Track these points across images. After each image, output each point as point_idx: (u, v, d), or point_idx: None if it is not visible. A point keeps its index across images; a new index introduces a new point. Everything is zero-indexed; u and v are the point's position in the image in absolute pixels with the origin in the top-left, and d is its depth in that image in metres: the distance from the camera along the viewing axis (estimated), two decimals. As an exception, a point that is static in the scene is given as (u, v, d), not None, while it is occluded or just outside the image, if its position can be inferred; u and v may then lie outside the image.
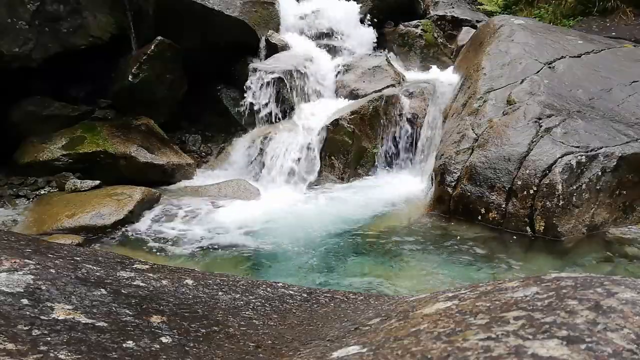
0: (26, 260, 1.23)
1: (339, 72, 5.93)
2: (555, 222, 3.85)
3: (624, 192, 4.02)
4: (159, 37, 5.28)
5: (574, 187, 3.88)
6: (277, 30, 6.12)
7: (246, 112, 5.54)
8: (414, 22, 7.27)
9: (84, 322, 1.03)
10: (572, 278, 0.95)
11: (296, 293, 1.48)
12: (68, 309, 1.06)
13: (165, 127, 5.37)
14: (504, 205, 4.03)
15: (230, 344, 1.08)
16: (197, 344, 1.06)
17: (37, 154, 4.81)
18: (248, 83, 5.49)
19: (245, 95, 5.53)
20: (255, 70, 5.47)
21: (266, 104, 5.45)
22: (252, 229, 4.14)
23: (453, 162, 4.39)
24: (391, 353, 0.81)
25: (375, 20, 6.94)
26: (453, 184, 4.33)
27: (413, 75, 6.29)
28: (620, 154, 3.98)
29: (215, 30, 5.52)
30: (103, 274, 1.32)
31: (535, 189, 3.91)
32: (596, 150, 4.00)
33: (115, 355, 0.93)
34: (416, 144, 5.37)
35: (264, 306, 1.34)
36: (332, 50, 6.36)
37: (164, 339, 1.04)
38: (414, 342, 0.82)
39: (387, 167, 5.38)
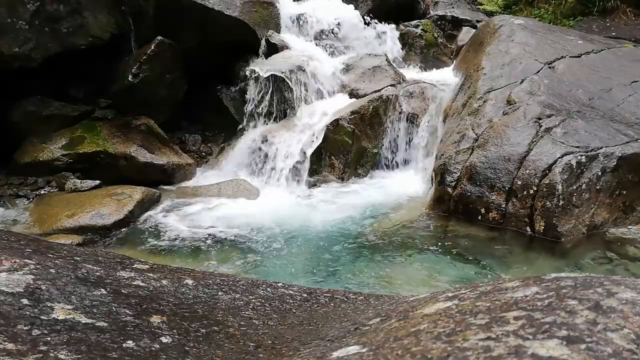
0: (26, 260, 1.23)
1: (339, 72, 5.93)
2: (555, 222, 3.85)
3: (624, 192, 4.02)
4: (159, 37, 5.28)
5: (574, 187, 3.88)
6: (277, 30, 6.12)
7: (246, 112, 5.54)
8: (414, 22, 7.27)
9: (84, 322, 1.03)
10: (572, 278, 0.95)
11: (296, 293, 1.48)
12: (68, 309, 1.06)
13: (165, 127, 5.37)
14: (504, 205, 4.03)
15: (230, 344, 1.08)
16: (197, 344, 1.06)
17: (37, 154, 4.81)
18: (248, 83, 5.49)
19: (245, 95, 5.52)
20: (255, 70, 5.47)
21: (266, 104, 5.45)
22: (252, 229, 4.14)
23: (453, 162, 4.39)
24: (391, 353, 0.81)
25: (376, 20, 6.94)
26: (453, 184, 4.33)
27: (413, 75, 6.29)
28: (620, 154, 3.98)
29: (215, 30, 5.52)
30: (103, 274, 1.32)
31: (535, 189, 3.91)
32: (596, 150, 4.00)
33: (115, 355, 0.93)
34: (416, 143, 5.37)
35: (264, 306, 1.34)
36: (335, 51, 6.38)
37: (164, 339, 1.04)
38: (414, 342, 0.82)
39: (387, 167, 5.38)
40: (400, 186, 5.00)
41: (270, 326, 1.21)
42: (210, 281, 1.45)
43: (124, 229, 4.11)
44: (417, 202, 4.67)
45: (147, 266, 1.51)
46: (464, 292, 1.05)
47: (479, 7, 8.22)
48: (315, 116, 5.42)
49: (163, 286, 1.34)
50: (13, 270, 1.16)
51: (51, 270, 1.22)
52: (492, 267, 3.55)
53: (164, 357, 0.97)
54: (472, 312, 0.89)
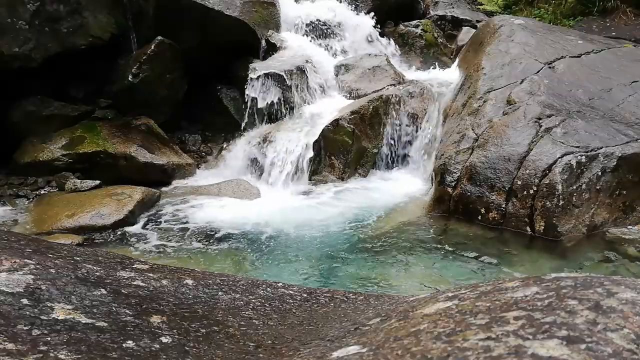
0: (26, 260, 1.23)
1: (339, 72, 5.93)
2: (555, 222, 3.85)
3: (624, 192, 4.02)
4: (159, 37, 5.28)
5: (574, 187, 3.88)
6: (277, 30, 6.12)
7: (246, 112, 5.54)
8: (414, 22, 7.27)
9: (84, 322, 1.03)
10: (572, 278, 0.95)
11: (296, 293, 1.48)
12: (68, 309, 1.06)
13: (165, 127, 5.37)
14: (504, 205, 4.03)
15: (230, 344, 1.09)
16: (197, 344, 1.06)
17: (37, 154, 4.81)
18: (248, 83, 5.48)
19: (245, 95, 5.52)
20: (255, 70, 5.47)
21: (266, 104, 5.45)
22: (252, 229, 4.14)
23: (453, 162, 4.39)
24: (391, 353, 0.81)
25: (376, 20, 6.94)
26: (453, 184, 4.33)
27: (413, 75, 6.29)
28: (620, 154, 3.98)
29: (215, 30, 5.52)
30: (103, 274, 1.32)
31: (535, 189, 3.91)
32: (596, 150, 4.00)
33: (115, 355, 0.93)
34: (416, 144, 5.37)
35: (264, 306, 1.34)
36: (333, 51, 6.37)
37: (164, 339, 1.04)
38: (414, 342, 0.82)
39: (387, 167, 5.38)
40: (400, 186, 5.01)
41: (270, 326, 1.21)
42: (210, 281, 1.45)
43: (124, 229, 4.11)
44: (417, 202, 4.67)
45: (147, 266, 1.51)
46: (464, 292, 1.05)
47: (479, 7, 8.22)
48: (315, 116, 5.42)
49: (163, 286, 1.34)
50: (13, 270, 1.16)
51: (51, 270, 1.22)
52: (492, 267, 3.55)
53: (164, 357, 0.97)
54: (472, 312, 0.89)
